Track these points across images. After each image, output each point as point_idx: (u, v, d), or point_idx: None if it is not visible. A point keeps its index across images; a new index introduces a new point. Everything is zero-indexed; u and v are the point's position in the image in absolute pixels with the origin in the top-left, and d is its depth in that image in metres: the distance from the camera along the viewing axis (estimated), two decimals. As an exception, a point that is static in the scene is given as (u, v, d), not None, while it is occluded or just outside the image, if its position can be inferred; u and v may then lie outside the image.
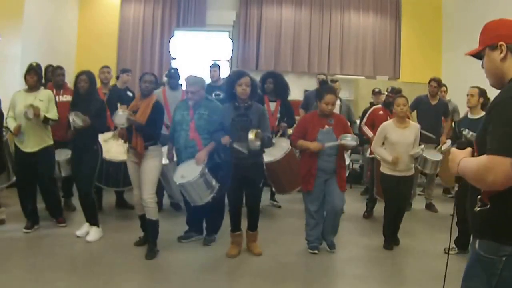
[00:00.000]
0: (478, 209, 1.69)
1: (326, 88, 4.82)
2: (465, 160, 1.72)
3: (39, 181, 4.81)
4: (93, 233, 4.65)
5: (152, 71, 8.96)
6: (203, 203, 4.32)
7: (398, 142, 4.74)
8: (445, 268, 2.17)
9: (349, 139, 4.39)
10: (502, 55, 1.70)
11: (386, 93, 6.25)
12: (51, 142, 4.85)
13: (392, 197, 4.81)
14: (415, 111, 6.50)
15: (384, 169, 4.83)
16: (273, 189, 6.15)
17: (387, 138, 4.80)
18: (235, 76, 4.33)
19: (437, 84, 6.43)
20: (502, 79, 1.73)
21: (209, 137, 4.44)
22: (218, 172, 4.42)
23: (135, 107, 4.34)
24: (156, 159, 4.34)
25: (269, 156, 5.22)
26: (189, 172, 4.27)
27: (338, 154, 4.46)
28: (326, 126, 4.45)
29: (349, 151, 5.78)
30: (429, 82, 6.48)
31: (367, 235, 5.29)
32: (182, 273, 3.99)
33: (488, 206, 1.65)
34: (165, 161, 4.75)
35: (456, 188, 1.81)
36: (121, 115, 4.17)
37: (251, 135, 3.99)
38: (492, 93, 1.81)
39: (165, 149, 4.71)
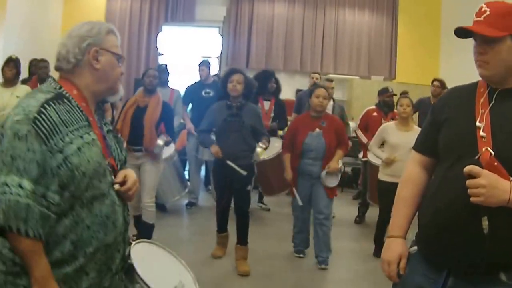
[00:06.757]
0: None
1: (317, 85, 4.76)
2: None
3: None
4: None
5: (139, 68, 8.84)
6: None
7: (398, 145, 4.40)
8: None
9: (329, 180, 4.21)
10: None
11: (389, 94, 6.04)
12: None
13: (388, 205, 4.53)
14: (417, 113, 6.31)
15: (382, 176, 4.54)
16: (261, 191, 5.94)
17: (386, 141, 4.53)
18: (228, 73, 4.24)
19: (440, 84, 6.23)
20: (510, 76, 1.56)
21: None
22: None
23: (141, 102, 4.24)
24: (159, 162, 4.33)
25: None
26: None
27: (325, 158, 4.24)
28: (317, 129, 4.27)
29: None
30: (432, 82, 6.31)
31: (357, 241, 5.19)
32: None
33: None
34: None
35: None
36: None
37: (259, 150, 4.06)
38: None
39: None
